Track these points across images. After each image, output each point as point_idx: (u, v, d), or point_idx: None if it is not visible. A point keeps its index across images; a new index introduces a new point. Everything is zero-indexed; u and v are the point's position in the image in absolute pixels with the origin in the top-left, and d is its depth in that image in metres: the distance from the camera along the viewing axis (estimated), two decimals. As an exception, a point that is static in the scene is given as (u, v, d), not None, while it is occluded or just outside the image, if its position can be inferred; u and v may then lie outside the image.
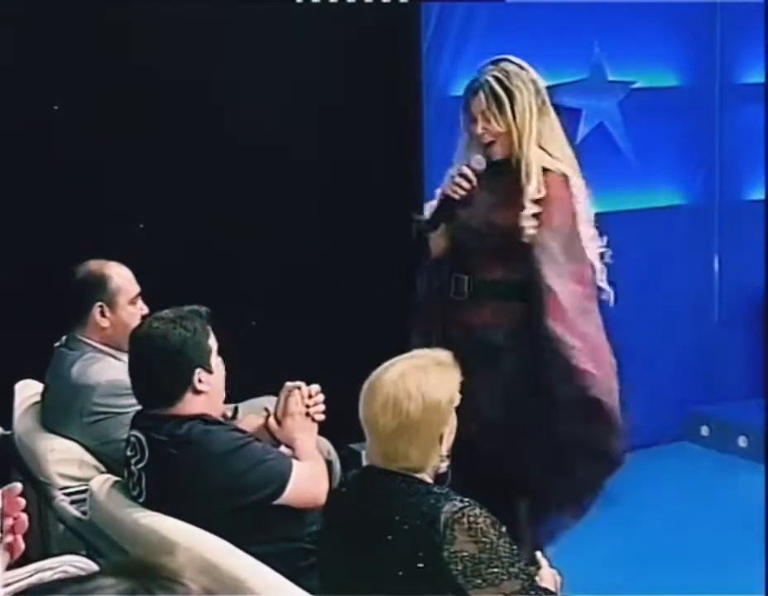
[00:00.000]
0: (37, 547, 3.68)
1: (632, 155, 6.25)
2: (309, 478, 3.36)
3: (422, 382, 2.84)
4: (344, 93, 5.44)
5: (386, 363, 2.93)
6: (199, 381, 3.33)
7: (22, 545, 2.04)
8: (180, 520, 3.14)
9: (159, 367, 3.32)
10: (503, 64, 3.94)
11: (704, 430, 6.51)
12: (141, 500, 3.32)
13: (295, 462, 3.37)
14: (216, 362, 3.40)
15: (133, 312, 3.98)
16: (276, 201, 5.37)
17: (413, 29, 5.69)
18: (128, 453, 3.38)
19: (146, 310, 4.01)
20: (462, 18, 5.83)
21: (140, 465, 3.32)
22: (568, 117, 6.07)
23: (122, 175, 5.04)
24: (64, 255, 4.29)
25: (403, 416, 2.80)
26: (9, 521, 2.01)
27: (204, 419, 3.33)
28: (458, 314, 3.98)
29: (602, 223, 6.18)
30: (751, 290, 6.49)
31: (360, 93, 5.46)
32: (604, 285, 4.07)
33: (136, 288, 4.01)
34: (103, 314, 3.95)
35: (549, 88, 4.19)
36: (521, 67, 3.96)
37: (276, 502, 3.28)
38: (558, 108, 4.22)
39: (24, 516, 2.04)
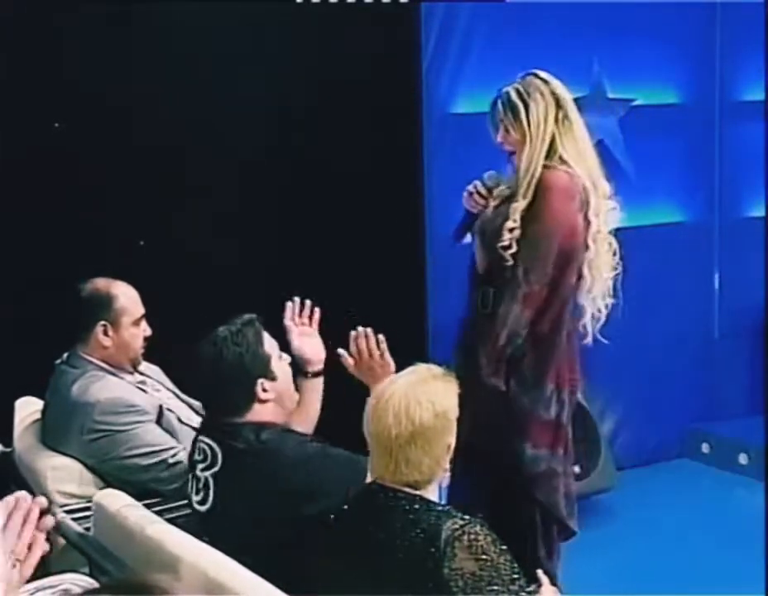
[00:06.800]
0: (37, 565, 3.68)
1: (632, 172, 6.25)
2: None
3: (430, 392, 2.89)
4: (343, 97, 5.44)
5: (390, 378, 3.02)
6: (263, 390, 3.35)
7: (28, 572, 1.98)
8: (245, 528, 3.16)
9: (221, 388, 3.33)
10: (527, 78, 3.94)
11: (705, 447, 6.51)
12: (204, 507, 3.32)
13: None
14: (278, 365, 3.41)
15: (136, 333, 3.99)
16: (274, 216, 5.38)
17: (413, 30, 5.70)
18: (196, 457, 3.37)
19: (149, 332, 4.01)
20: (462, 34, 5.86)
21: (210, 471, 3.32)
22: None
23: (123, 189, 5.05)
24: (65, 271, 4.29)
25: (417, 424, 2.84)
26: (26, 538, 1.95)
27: (284, 429, 3.36)
28: (485, 327, 3.89)
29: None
30: (751, 306, 6.50)
31: (360, 95, 5.47)
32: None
33: (140, 310, 4.00)
34: (105, 333, 3.95)
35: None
36: (545, 80, 3.94)
37: None
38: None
39: (40, 536, 1.97)
